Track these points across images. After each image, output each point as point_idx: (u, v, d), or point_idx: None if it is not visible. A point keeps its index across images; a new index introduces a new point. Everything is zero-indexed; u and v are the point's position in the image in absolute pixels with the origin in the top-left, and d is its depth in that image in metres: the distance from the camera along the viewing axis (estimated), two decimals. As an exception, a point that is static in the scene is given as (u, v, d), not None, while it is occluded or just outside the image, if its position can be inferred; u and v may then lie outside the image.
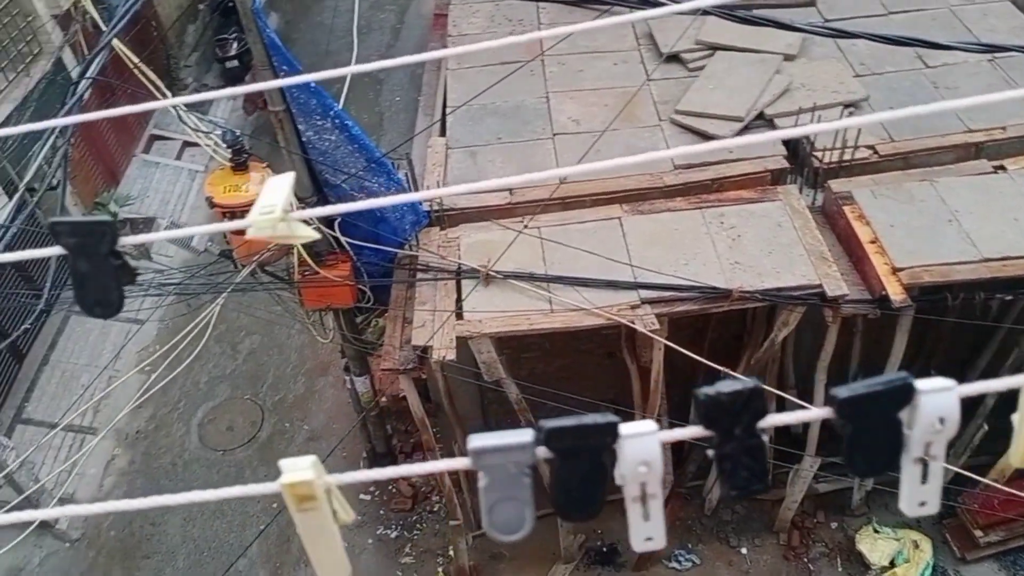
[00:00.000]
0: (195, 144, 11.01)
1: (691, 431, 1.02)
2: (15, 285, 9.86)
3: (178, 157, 13.65)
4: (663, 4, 7.50)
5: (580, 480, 0.99)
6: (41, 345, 10.88)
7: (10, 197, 8.56)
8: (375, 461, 9.51)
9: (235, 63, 14.75)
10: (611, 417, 0.97)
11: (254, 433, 10.28)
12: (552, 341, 8.01)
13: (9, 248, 5.95)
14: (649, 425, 0.99)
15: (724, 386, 0.98)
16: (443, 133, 8.32)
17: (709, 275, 6.66)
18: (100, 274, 1.12)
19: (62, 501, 9.09)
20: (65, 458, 9.59)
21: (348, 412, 9.80)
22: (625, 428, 0.97)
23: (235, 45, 14.68)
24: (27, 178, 6.76)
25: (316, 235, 1.18)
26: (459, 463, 1.03)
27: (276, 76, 6.48)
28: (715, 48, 8.45)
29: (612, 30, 8.92)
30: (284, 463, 1.04)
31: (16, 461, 8.86)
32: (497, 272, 6.80)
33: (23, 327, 6.64)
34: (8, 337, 8.41)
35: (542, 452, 1.01)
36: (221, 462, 10.04)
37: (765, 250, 6.86)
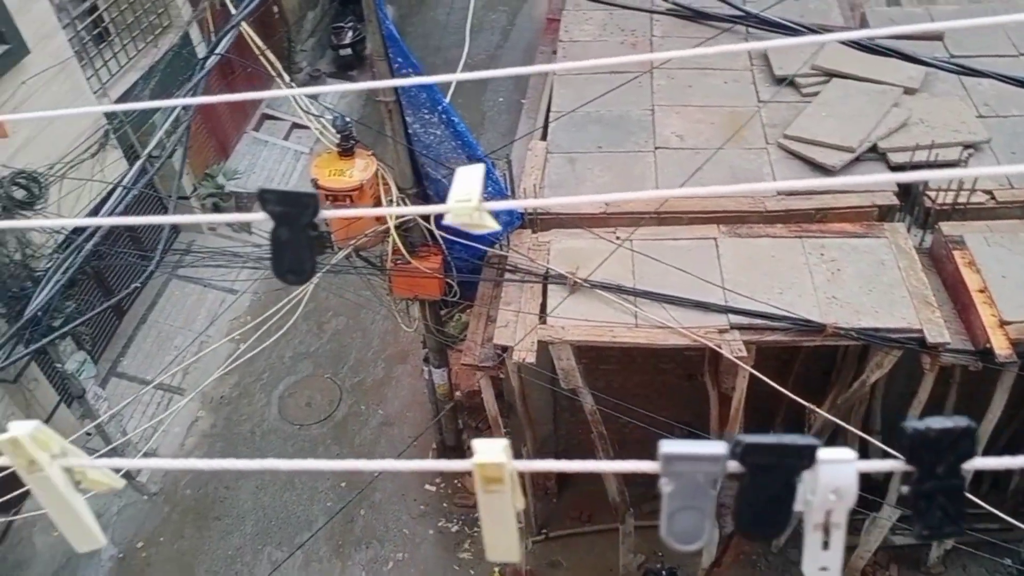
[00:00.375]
0: (303, 126, 11.39)
1: (891, 464, 1.00)
2: (125, 245, 10.37)
3: (286, 137, 14.13)
4: (781, 25, 7.36)
5: (768, 499, 0.98)
6: (141, 304, 11.42)
7: (130, 163, 9.00)
8: (444, 454, 9.62)
9: (348, 51, 15.23)
10: (811, 439, 0.96)
11: (331, 411, 10.54)
12: (632, 356, 7.95)
13: (128, 210, 6.30)
14: (847, 453, 0.97)
15: (934, 422, 0.95)
16: (544, 137, 8.36)
17: (804, 307, 6.50)
18: (298, 243, 1.18)
19: (146, 456, 9.51)
20: (152, 415, 10.04)
21: (422, 402, 9.94)
22: (823, 453, 0.96)
23: (350, 34, 15.17)
24: (150, 146, 7.11)
25: (498, 226, 1.21)
26: (647, 466, 1.04)
27: (391, 67, 6.64)
28: (832, 75, 8.24)
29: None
30: (478, 444, 1.07)
31: (107, 413, 9.30)
32: (585, 281, 6.79)
33: (132, 286, 6.97)
34: (114, 294, 8.86)
35: (733, 466, 1.00)
36: (296, 436, 10.33)
37: (865, 287, 6.65)
